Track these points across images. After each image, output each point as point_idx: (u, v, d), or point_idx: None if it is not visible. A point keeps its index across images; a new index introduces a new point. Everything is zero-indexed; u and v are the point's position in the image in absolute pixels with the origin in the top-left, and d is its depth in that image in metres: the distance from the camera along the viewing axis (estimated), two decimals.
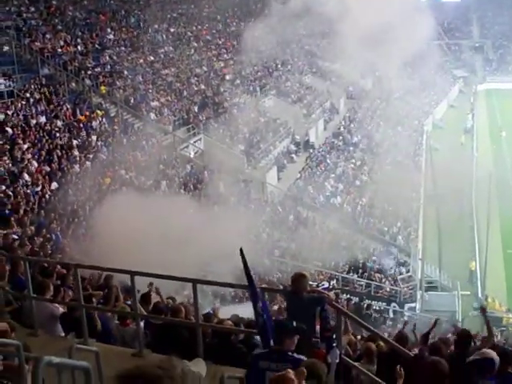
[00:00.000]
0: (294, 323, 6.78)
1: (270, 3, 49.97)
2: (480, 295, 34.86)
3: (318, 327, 8.24)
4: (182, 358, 5.60)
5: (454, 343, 9.34)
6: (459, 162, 50.77)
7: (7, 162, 22.98)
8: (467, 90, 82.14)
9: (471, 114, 71.62)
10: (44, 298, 10.30)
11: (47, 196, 22.30)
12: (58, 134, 27.80)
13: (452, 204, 43.71)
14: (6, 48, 33.60)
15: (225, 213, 24.23)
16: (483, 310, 11.83)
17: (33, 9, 39.76)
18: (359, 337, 11.87)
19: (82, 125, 30.57)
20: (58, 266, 12.74)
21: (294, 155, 45.73)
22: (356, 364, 8.49)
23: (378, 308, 31.23)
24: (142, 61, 42.52)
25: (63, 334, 10.23)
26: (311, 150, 47.27)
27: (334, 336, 8.05)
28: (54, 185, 23.73)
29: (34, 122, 27.72)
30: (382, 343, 9.11)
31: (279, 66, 57.33)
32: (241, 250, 7.54)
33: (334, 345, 7.80)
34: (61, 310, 10.46)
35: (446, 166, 46.93)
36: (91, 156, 27.83)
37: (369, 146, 53.15)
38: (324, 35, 60.69)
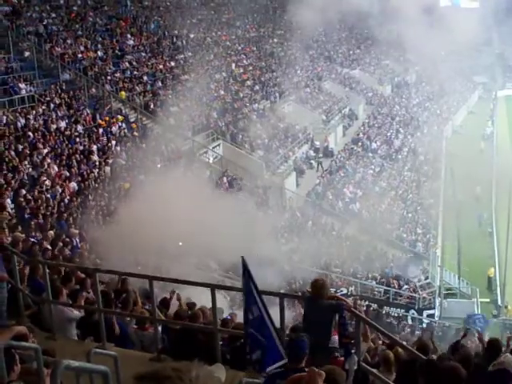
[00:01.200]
0: (305, 338, 6.77)
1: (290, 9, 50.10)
2: (499, 302, 34.63)
3: (335, 334, 8.24)
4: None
5: (484, 352, 9.26)
6: (479, 169, 50.48)
7: (27, 166, 23.14)
8: (487, 96, 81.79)
9: (491, 120, 71.28)
10: (62, 302, 10.37)
11: (66, 200, 22.42)
12: (77, 139, 27.96)
13: (471, 210, 43.49)
14: (27, 53, 33.90)
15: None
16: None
17: (54, 15, 40.09)
18: (380, 341, 11.80)
19: (101, 130, 30.74)
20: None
21: (313, 161, 45.67)
22: (374, 371, 8.44)
23: (396, 315, 31.11)
24: (161, 66, 42.68)
25: (76, 338, 10.28)
26: (319, 160, 46.81)
27: (353, 342, 8.03)
28: (73, 185, 23.87)
29: (54, 126, 27.90)
30: (400, 350, 9.03)
31: (298, 71, 57.32)
32: (242, 258, 7.48)
33: (353, 351, 7.78)
34: (76, 313, 10.52)
35: (465, 172, 46.70)
36: (110, 161, 27.95)
37: (388, 153, 53.00)
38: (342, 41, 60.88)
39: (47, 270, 10.53)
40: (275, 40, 59.93)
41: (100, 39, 41.02)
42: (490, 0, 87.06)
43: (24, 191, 20.99)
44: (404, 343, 9.24)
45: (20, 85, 30.04)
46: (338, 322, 7.98)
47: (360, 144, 52.89)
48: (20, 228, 17.28)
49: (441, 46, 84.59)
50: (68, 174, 24.55)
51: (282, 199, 37.86)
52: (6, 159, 22.87)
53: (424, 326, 29.93)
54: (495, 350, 8.65)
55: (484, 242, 41.46)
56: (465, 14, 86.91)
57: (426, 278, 34.69)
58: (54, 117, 28.92)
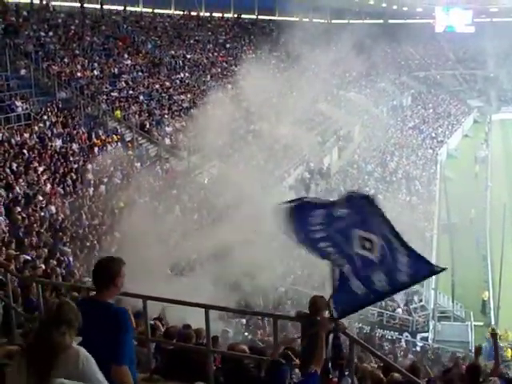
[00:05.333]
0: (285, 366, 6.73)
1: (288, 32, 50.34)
2: (493, 325, 34.57)
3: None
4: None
5: (465, 377, 9.23)
6: (473, 192, 50.65)
7: (22, 184, 23.10)
8: (482, 119, 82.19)
9: (486, 143, 71.56)
10: None
11: (60, 219, 22.37)
12: (71, 158, 27.93)
13: (465, 234, 43.54)
14: (24, 71, 33.97)
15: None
16: (494, 335, 11.58)
17: (51, 33, 40.25)
18: (376, 365, 11.75)
19: (97, 149, 30.74)
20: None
21: (308, 182, 45.66)
22: None
23: (390, 337, 30.98)
24: (157, 86, 42.78)
25: None
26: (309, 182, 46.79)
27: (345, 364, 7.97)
28: (67, 204, 23.84)
29: (50, 144, 27.90)
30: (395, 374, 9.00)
31: (294, 93, 57.48)
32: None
33: (346, 374, 7.73)
34: None
35: (459, 195, 46.81)
36: (105, 180, 27.93)
37: (382, 175, 53.09)
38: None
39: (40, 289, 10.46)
40: (272, 61, 60.08)
41: (97, 58, 41.16)
42: (485, 25, 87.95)
43: (19, 208, 20.95)
44: (398, 366, 9.20)
45: (16, 102, 30.05)
46: (333, 343, 7.92)
47: (355, 166, 53.00)
48: (14, 246, 17.24)
49: (436, 70, 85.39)
50: (63, 193, 24.53)
51: (277, 220, 37.71)
52: (1, 176, 22.86)
53: (418, 348, 29.84)
54: (476, 375, 8.64)
55: (478, 265, 41.47)
56: (460, 39, 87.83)
57: (420, 301, 34.63)
58: (49, 135, 28.94)
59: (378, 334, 30.39)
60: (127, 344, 5.52)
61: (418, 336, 32.17)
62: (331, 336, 7.88)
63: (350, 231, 6.89)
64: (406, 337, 31.61)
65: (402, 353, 26.85)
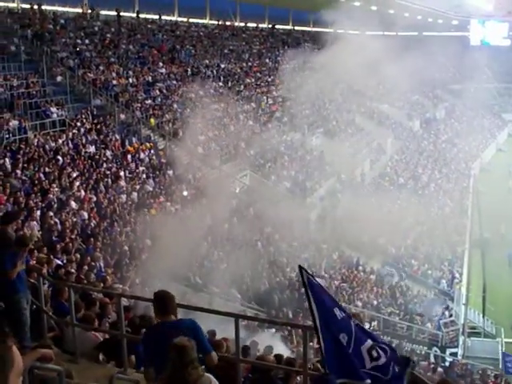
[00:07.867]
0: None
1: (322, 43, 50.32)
2: None
3: None
4: None
5: None
6: (506, 207, 50.08)
7: (56, 189, 23.31)
8: None
9: None
10: (86, 326, 10.36)
11: (93, 224, 22.55)
12: (104, 165, 28.17)
13: (498, 249, 43.06)
14: (59, 78, 34.37)
15: None
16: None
17: (88, 41, 40.67)
18: None
19: (130, 156, 30.96)
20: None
21: (339, 194, 45.46)
22: None
23: (418, 352, 30.69)
24: (192, 95, 42.93)
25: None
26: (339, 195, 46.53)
27: None
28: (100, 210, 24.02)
29: (83, 151, 28.17)
30: None
31: (327, 104, 57.39)
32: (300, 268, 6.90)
33: None
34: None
35: (492, 209, 46.32)
36: (138, 187, 28.11)
37: (415, 188, 52.74)
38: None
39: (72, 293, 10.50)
40: (306, 72, 60.12)
41: (132, 66, 41.47)
42: None
43: (52, 213, 21.14)
44: (428, 382, 9.12)
45: (52, 109, 30.42)
46: None
47: (387, 178, 52.72)
48: (45, 250, 17.37)
49: (470, 83, 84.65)
50: (95, 199, 24.72)
51: (307, 231, 37.63)
52: (36, 181, 23.12)
53: (447, 364, 29.49)
54: None
55: (510, 281, 40.96)
56: (496, 52, 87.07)
57: (450, 316, 34.27)
58: (83, 141, 29.23)
59: (406, 348, 30.14)
60: (205, 338, 7.14)
61: (448, 351, 31.81)
62: None
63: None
64: (435, 352, 31.29)
65: (431, 366, 26.57)
